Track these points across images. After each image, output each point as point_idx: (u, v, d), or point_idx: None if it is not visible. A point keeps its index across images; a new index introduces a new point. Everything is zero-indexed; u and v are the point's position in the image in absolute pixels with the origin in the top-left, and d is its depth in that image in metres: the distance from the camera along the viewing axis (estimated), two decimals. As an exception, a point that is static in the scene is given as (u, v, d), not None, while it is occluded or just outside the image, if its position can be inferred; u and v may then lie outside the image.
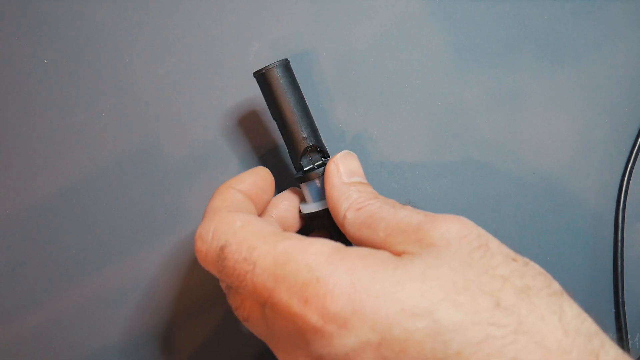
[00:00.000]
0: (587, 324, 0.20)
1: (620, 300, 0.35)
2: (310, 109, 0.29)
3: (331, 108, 0.34)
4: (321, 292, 0.20)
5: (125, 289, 0.34)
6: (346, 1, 0.34)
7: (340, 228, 0.26)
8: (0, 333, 0.34)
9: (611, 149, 0.35)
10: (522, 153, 0.35)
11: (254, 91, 0.33)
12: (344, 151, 0.27)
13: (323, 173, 0.28)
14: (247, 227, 0.23)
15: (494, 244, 0.21)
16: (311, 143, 0.28)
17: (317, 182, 0.29)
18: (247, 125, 0.34)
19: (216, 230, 0.23)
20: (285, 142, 0.29)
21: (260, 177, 0.27)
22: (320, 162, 0.29)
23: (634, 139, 0.35)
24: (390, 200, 0.25)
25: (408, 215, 0.23)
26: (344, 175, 0.27)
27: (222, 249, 0.22)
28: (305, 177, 0.28)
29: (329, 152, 0.30)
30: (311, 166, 0.29)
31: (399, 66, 0.35)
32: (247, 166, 0.34)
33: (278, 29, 0.34)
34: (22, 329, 0.34)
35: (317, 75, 0.34)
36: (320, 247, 0.21)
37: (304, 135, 0.28)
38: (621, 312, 0.35)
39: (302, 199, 0.30)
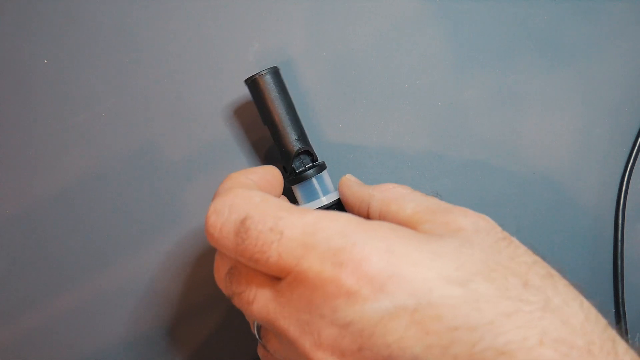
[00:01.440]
0: (600, 316, 0.20)
1: (620, 300, 0.35)
2: (300, 114, 0.31)
3: (331, 108, 0.34)
4: (357, 256, 0.19)
5: (125, 289, 0.34)
6: (347, 1, 0.34)
7: (363, 213, 0.26)
8: (0, 333, 0.34)
9: (611, 149, 0.35)
10: (522, 153, 0.35)
11: (254, 91, 0.33)
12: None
13: (314, 174, 0.29)
14: (268, 202, 0.22)
15: (516, 239, 0.23)
16: (302, 146, 0.30)
17: (309, 183, 0.30)
18: (247, 124, 0.34)
19: (234, 204, 0.22)
20: (277, 145, 0.30)
21: (269, 173, 0.27)
22: (311, 164, 0.30)
23: (634, 139, 0.35)
24: (418, 191, 0.26)
25: (437, 202, 0.24)
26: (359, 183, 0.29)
27: (243, 221, 0.21)
28: (298, 179, 0.29)
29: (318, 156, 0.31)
30: (303, 168, 0.30)
31: (399, 66, 0.35)
32: (248, 166, 0.34)
33: (278, 29, 0.34)
34: (22, 329, 0.34)
35: (317, 75, 0.34)
36: (348, 217, 0.21)
37: (295, 139, 0.30)
38: (621, 312, 0.35)
39: (295, 203, 0.30)
